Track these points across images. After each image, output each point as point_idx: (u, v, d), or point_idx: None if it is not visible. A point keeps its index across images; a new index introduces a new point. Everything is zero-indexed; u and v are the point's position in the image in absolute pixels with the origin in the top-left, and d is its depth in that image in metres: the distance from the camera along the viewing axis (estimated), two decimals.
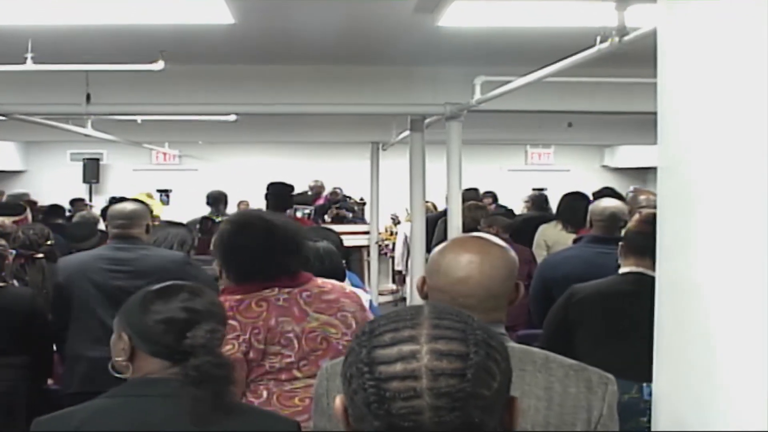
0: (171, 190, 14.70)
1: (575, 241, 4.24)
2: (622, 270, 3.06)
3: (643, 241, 2.90)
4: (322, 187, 11.99)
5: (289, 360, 2.44)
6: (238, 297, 2.47)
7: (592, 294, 3.06)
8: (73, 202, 9.84)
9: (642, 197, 4.67)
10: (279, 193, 6.07)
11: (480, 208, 6.35)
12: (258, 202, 9.76)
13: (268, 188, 6.21)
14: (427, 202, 6.78)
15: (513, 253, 1.77)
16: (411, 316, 1.13)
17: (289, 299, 2.48)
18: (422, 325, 1.11)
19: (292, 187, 6.32)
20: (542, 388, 1.60)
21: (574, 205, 5.49)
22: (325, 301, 2.52)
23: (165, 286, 1.81)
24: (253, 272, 2.49)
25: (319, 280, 2.59)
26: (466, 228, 5.35)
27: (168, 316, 1.74)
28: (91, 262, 3.71)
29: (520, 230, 5.85)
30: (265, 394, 2.42)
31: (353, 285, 3.60)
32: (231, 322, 2.35)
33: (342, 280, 3.22)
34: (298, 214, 6.95)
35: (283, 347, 2.44)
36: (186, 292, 1.79)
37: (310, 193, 11.55)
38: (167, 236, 4.60)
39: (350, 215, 10.88)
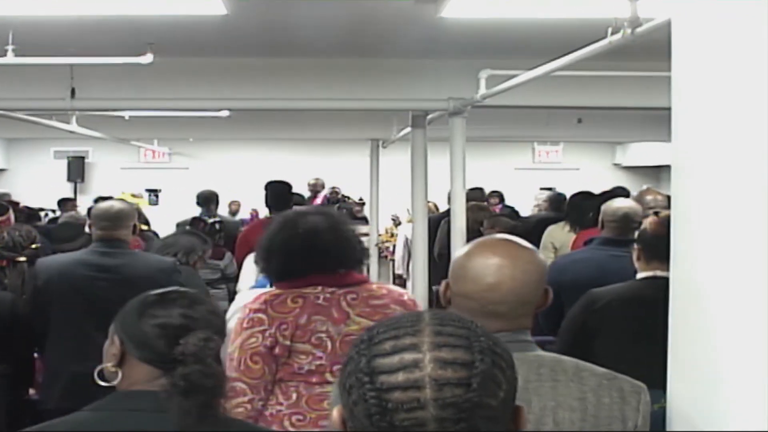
0: (160, 190, 14.70)
1: (585, 243, 4.23)
2: (641, 275, 3.06)
3: (664, 245, 2.91)
4: (321, 186, 12.00)
5: (319, 362, 2.46)
6: (277, 292, 2.52)
7: (614, 301, 3.05)
8: (61, 202, 9.82)
9: (649, 197, 4.66)
10: (278, 193, 6.07)
11: (482, 209, 6.35)
12: (251, 201, 9.80)
13: (266, 187, 6.21)
14: (428, 202, 6.78)
15: (542, 257, 1.77)
16: (411, 323, 1.12)
17: (330, 299, 2.51)
18: (424, 332, 1.11)
19: (291, 186, 6.32)
20: (576, 399, 1.59)
21: (583, 205, 5.49)
22: (371, 306, 2.54)
23: (166, 291, 1.82)
24: (288, 271, 2.54)
25: (375, 284, 2.62)
26: (468, 230, 5.35)
27: (163, 321, 1.75)
28: (73, 267, 3.64)
29: (530, 232, 5.84)
30: (294, 396, 2.46)
31: None
32: (259, 315, 2.43)
33: None
34: None
35: (314, 347, 2.47)
36: (187, 298, 1.80)
37: (309, 192, 11.56)
38: (175, 243, 4.60)
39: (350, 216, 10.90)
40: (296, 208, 2.73)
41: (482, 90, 5.25)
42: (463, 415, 1.05)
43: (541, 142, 14.51)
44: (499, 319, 1.66)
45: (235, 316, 3.34)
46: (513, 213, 7.55)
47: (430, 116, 6.31)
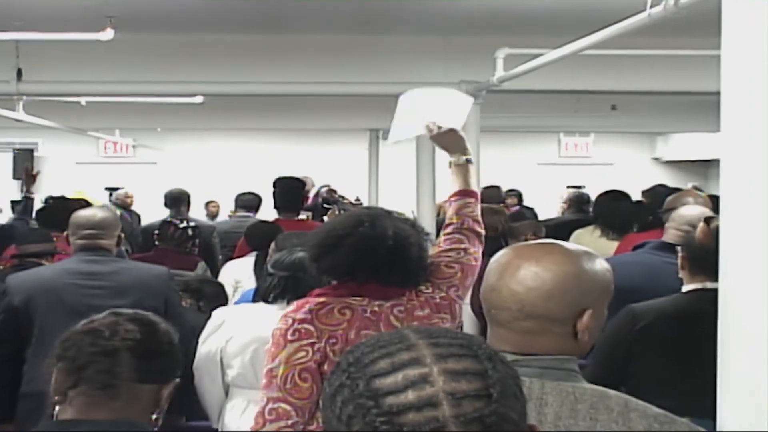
0: (123, 188, 14.70)
1: (636, 248, 4.26)
2: (687, 287, 3.08)
3: (713, 257, 2.94)
4: (310, 185, 12.01)
5: None
6: (322, 300, 2.56)
7: (659, 318, 3.07)
8: (16, 204, 9.79)
9: (689, 198, 4.67)
10: (290, 191, 6.07)
11: (497, 212, 6.33)
12: (229, 201, 9.76)
13: (275, 185, 6.22)
14: (444, 202, 6.77)
15: (591, 267, 1.69)
16: (398, 339, 1.15)
17: (378, 312, 2.57)
18: (418, 346, 1.13)
19: (304, 184, 6.33)
20: None
21: (614, 207, 5.49)
22: (417, 318, 2.60)
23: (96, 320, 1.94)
24: (351, 272, 2.58)
25: (411, 293, 2.66)
26: (486, 237, 5.35)
27: (91, 327, 1.86)
28: (57, 278, 3.70)
29: (552, 237, 5.85)
30: None
31: None
32: (306, 326, 2.48)
33: None
34: (302, 217, 6.98)
35: None
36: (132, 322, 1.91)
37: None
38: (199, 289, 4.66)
39: None
40: (370, 207, 2.78)
41: (499, 72, 5.25)
42: (492, 429, 1.06)
43: (568, 132, 14.52)
44: (503, 328, 1.67)
45: (211, 337, 3.35)
46: (532, 215, 7.54)
47: None
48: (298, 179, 6.32)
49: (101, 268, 3.70)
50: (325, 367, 2.48)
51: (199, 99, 7.87)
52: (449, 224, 2.83)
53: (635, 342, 3.07)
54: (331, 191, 11.08)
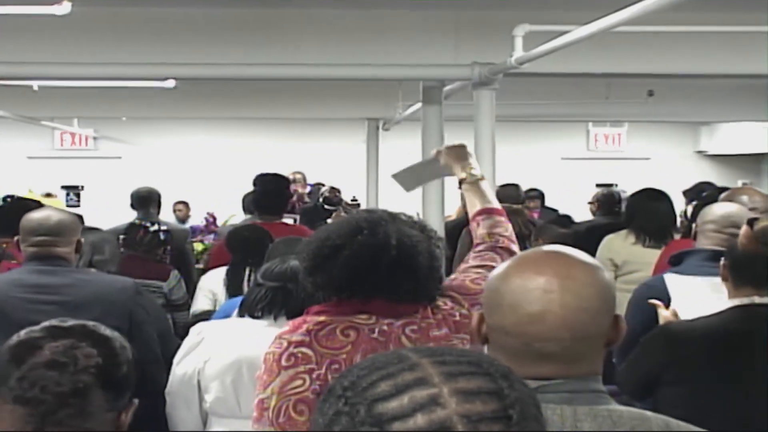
0: (82, 187, 14.73)
1: (673, 259, 4.23)
2: (732, 302, 3.08)
3: (761, 265, 2.94)
4: (302, 183, 11.99)
5: None
6: (321, 319, 2.55)
7: (699, 339, 3.07)
8: None
9: (743, 197, 4.66)
10: (272, 190, 6.09)
11: (517, 213, 6.36)
12: (206, 203, 9.78)
13: (255, 183, 6.22)
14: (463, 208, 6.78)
15: (607, 274, 1.77)
16: (398, 360, 1.17)
17: (387, 333, 2.56)
18: (421, 365, 1.15)
19: (288, 182, 6.34)
20: None
21: (650, 208, 5.50)
22: (433, 339, 2.59)
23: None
24: (351, 288, 2.57)
25: (427, 310, 2.65)
26: None
27: (50, 358, 1.84)
28: (1, 291, 3.70)
29: (580, 243, 5.85)
30: None
31: None
32: (304, 350, 2.47)
33: None
34: (287, 221, 6.99)
35: None
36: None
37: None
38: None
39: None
40: (371, 210, 2.76)
41: (518, 52, 5.26)
42: None
43: (598, 123, 14.53)
44: (550, 362, 1.68)
45: (187, 357, 3.36)
46: (562, 218, 7.54)
47: (447, 88, 6.34)
48: (281, 177, 6.33)
49: (54, 280, 3.69)
50: None
51: (170, 83, 7.87)
52: (480, 243, 2.86)
53: (671, 365, 3.08)
54: (334, 191, 11.04)
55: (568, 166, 14.75)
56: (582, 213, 9.71)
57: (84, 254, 4.51)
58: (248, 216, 7.89)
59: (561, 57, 5.14)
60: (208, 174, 13.71)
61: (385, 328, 2.56)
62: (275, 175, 6.35)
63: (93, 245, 4.66)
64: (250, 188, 6.64)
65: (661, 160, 14.71)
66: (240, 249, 5.21)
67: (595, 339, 1.71)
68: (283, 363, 2.49)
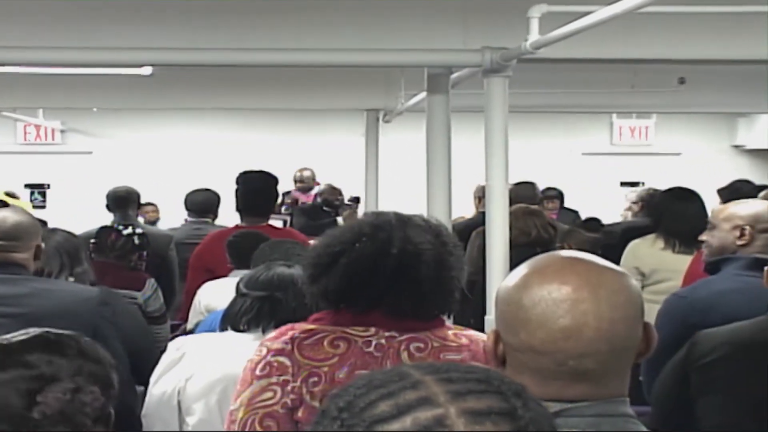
0: (48, 186, 14.71)
1: (710, 266, 4.24)
2: None
3: None
4: (310, 179, 11.99)
5: None
6: (311, 327, 2.57)
7: (729, 348, 3.09)
8: None
9: None
10: (257, 190, 6.09)
11: (535, 214, 6.36)
12: (178, 203, 9.76)
13: (238, 181, 6.22)
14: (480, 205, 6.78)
15: (634, 281, 1.79)
16: (398, 377, 1.17)
17: (385, 348, 2.57)
18: (425, 383, 1.15)
19: (276, 181, 6.33)
20: None
21: (679, 210, 5.51)
22: (443, 362, 2.55)
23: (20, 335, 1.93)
24: (348, 298, 2.59)
25: (451, 330, 2.66)
26: (513, 246, 5.37)
27: (16, 374, 1.86)
28: None
29: (613, 248, 5.85)
30: None
31: None
32: (281, 359, 2.49)
33: None
34: (277, 224, 7.00)
35: None
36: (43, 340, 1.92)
37: (296, 187, 11.60)
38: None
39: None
40: (380, 213, 2.73)
41: (534, 35, 5.26)
42: None
43: (623, 114, 14.51)
44: (584, 381, 1.69)
45: (166, 375, 3.37)
46: (590, 221, 7.48)
47: (454, 75, 6.33)
48: (268, 174, 6.32)
49: (11, 289, 3.68)
50: (300, 413, 2.49)
51: (147, 70, 7.88)
52: None
53: (699, 377, 3.09)
54: (335, 191, 11.02)
55: (590, 163, 14.74)
56: (605, 215, 9.71)
57: (64, 267, 4.51)
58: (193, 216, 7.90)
59: (581, 41, 5.14)
60: (189, 172, 13.68)
61: (383, 342, 2.57)
62: (261, 172, 6.35)
63: (70, 254, 4.65)
64: (233, 187, 6.62)
65: (694, 156, 14.69)
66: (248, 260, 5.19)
67: (629, 351, 1.73)
68: (257, 372, 2.51)
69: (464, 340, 2.64)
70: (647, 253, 5.62)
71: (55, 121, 14.11)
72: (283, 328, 2.60)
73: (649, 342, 1.76)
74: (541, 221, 6.22)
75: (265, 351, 2.54)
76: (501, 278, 5.07)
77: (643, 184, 12.26)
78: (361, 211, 10.89)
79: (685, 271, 5.04)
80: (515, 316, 1.72)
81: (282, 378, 2.49)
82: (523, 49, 5.22)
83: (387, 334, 2.57)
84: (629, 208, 8.69)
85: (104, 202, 7.79)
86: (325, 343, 2.54)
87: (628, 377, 1.75)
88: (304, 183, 11.87)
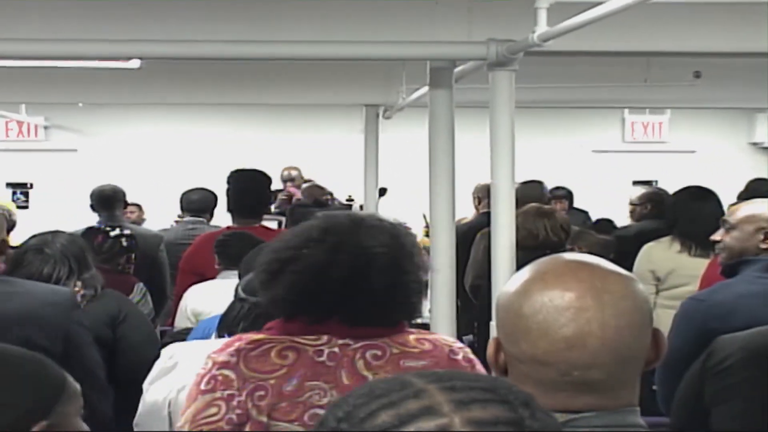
0: (31, 185, 14.70)
1: (727, 269, 4.24)
2: None
3: None
4: (299, 180, 11.98)
5: None
6: (259, 337, 2.56)
7: (750, 355, 3.10)
8: None
9: None
10: (248, 189, 6.09)
11: (546, 215, 6.36)
12: (176, 202, 9.75)
13: (229, 180, 6.23)
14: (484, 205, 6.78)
15: (641, 285, 1.78)
16: (400, 386, 1.18)
17: (339, 356, 2.55)
18: (428, 392, 1.16)
19: (270, 180, 6.34)
20: None
21: (694, 210, 5.51)
22: (403, 370, 2.56)
23: None
24: (300, 307, 2.57)
25: (413, 335, 2.64)
26: (520, 248, 5.37)
27: None
28: None
29: (627, 251, 5.85)
30: None
31: None
32: (226, 372, 2.48)
33: None
34: (271, 225, 7.00)
35: (307, 429, 2.49)
36: None
37: (283, 188, 11.58)
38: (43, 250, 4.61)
39: None
40: (330, 215, 2.70)
41: (542, 27, 5.26)
42: None
43: (635, 109, 14.51)
44: (590, 392, 1.69)
45: (158, 383, 3.37)
46: (602, 222, 7.49)
47: (458, 69, 6.33)
48: (260, 173, 6.33)
49: None
50: (247, 429, 2.47)
51: (135, 63, 7.88)
52: None
53: (713, 384, 3.10)
54: (318, 188, 10.99)
55: (600, 161, 14.74)
56: (617, 216, 9.72)
57: (72, 272, 4.48)
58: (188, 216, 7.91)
59: (592, 32, 5.15)
60: (179, 170, 13.68)
61: (336, 350, 2.54)
62: (253, 171, 6.35)
63: (78, 258, 4.60)
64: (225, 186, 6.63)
65: (709, 154, 14.69)
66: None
67: (637, 360, 1.73)
68: (202, 387, 2.50)
69: (427, 346, 2.61)
70: (662, 255, 5.63)
71: (38, 117, 14.11)
72: (230, 339, 2.59)
73: (658, 349, 1.76)
74: (552, 223, 6.20)
75: (210, 364, 2.52)
76: (506, 282, 5.07)
77: (656, 183, 12.27)
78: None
79: (702, 274, 5.05)
80: (515, 325, 1.72)
81: (227, 392, 2.47)
82: (531, 41, 5.23)
83: (341, 341, 2.54)
84: (632, 210, 8.67)
85: (90, 202, 7.78)
86: (273, 353, 2.52)
87: (637, 386, 1.75)
88: (294, 182, 11.84)
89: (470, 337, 6.72)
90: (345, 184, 11.92)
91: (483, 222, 6.75)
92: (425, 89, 6.56)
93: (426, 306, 9.61)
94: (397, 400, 1.15)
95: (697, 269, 5.20)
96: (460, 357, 2.64)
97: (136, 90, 9.67)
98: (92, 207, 7.71)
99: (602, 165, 14.60)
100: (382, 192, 10.58)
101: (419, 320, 10.01)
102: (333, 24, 6.34)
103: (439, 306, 5.84)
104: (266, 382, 2.49)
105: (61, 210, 12.00)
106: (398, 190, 11.13)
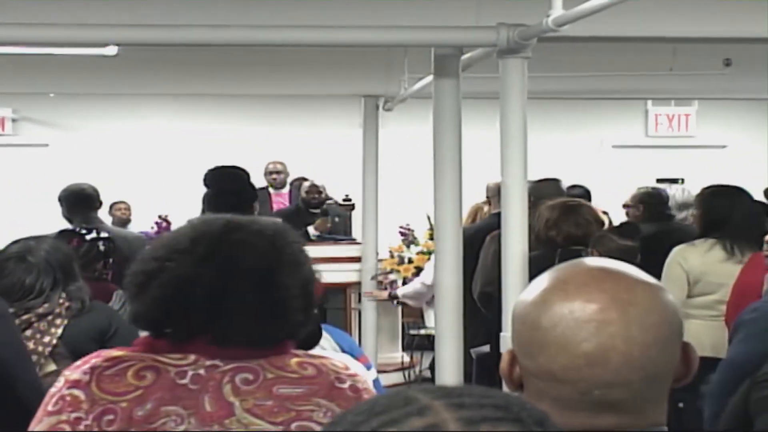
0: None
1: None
2: None
3: None
4: (284, 176, 11.99)
5: None
6: (116, 355, 2.51)
7: None
8: None
9: None
10: (229, 191, 6.09)
11: (572, 211, 6.36)
12: (158, 203, 9.79)
13: (206, 179, 6.23)
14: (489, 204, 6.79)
15: (671, 296, 1.77)
16: (403, 402, 1.18)
17: (204, 379, 2.49)
18: (433, 409, 1.16)
19: (248, 176, 6.34)
20: None
21: (743, 209, 5.51)
22: (276, 398, 2.50)
23: None
24: (164, 322, 2.52)
25: (296, 358, 2.57)
26: (534, 251, 5.37)
27: None
28: None
29: (649, 255, 5.84)
30: None
31: (343, 350, 3.65)
32: (75, 392, 2.42)
33: (312, 342, 3.26)
34: None
35: None
36: None
37: (267, 184, 11.61)
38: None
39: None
40: (206, 218, 2.65)
41: (557, 11, 5.27)
42: None
43: (659, 101, 14.54)
44: (613, 412, 1.68)
45: None
46: (626, 226, 7.46)
47: (465, 56, 6.34)
48: (240, 169, 6.32)
49: None
50: None
51: (112, 50, 7.89)
52: None
53: (756, 395, 3.13)
54: (315, 189, 10.97)
55: (621, 156, 14.75)
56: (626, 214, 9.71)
57: (57, 283, 4.49)
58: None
59: (611, 16, 5.15)
60: (159, 166, 13.70)
61: (201, 372, 2.48)
62: (233, 167, 6.35)
63: (63, 268, 4.61)
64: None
65: (742, 148, 14.71)
66: None
67: (665, 377, 1.73)
68: (49, 408, 2.45)
69: (310, 371, 2.53)
70: (696, 259, 5.63)
71: (5, 109, 14.13)
72: (88, 356, 2.55)
73: (689, 365, 1.75)
74: (584, 219, 6.14)
75: (62, 382, 2.47)
76: (518, 290, 5.07)
77: (682, 181, 12.27)
78: (358, 212, 10.90)
79: (735, 282, 5.06)
80: (532, 338, 1.72)
81: (74, 415, 2.42)
82: (545, 26, 5.23)
83: (209, 363, 2.49)
84: (626, 213, 8.70)
85: (61, 202, 7.76)
86: (130, 373, 2.46)
87: (665, 404, 1.74)
88: (280, 175, 11.82)
89: (479, 350, 6.71)
90: (342, 183, 11.94)
91: (493, 224, 6.75)
92: (429, 79, 6.56)
93: (430, 316, 9.68)
94: (400, 418, 1.15)
95: (725, 278, 5.21)
96: (345, 386, 2.54)
97: (113, 79, 9.68)
98: (65, 209, 7.69)
99: (623, 162, 14.60)
100: (324, 212, 10.54)
101: (423, 331, 10.04)
102: (327, 7, 6.35)
103: (444, 315, 5.84)
104: (117, 405, 2.43)
105: (31, 211, 11.99)
106: (399, 189, 11.13)
